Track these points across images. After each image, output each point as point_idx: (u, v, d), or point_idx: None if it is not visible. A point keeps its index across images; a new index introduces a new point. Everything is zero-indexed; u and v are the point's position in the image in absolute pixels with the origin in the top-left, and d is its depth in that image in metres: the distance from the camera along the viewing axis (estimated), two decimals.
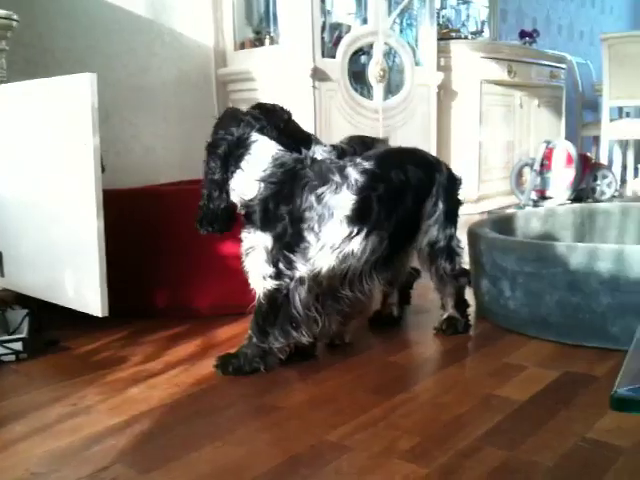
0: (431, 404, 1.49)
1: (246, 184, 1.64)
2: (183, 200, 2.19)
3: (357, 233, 1.64)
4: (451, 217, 1.87)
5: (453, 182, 1.89)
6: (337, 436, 1.33)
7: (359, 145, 2.09)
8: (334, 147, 1.90)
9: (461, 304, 1.95)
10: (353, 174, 1.65)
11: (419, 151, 1.92)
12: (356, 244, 1.65)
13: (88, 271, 1.80)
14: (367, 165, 1.68)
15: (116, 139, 3.02)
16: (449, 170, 1.88)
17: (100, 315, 1.81)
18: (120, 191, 2.29)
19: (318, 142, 1.86)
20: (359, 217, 1.64)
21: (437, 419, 1.40)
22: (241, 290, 2.18)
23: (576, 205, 2.62)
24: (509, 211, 2.43)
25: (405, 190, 1.74)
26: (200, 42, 3.32)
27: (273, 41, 3.24)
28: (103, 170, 1.79)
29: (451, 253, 1.88)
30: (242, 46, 3.34)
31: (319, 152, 1.79)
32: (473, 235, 2.06)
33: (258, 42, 3.30)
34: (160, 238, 2.19)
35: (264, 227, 1.63)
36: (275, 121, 1.70)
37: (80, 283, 1.87)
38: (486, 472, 1.18)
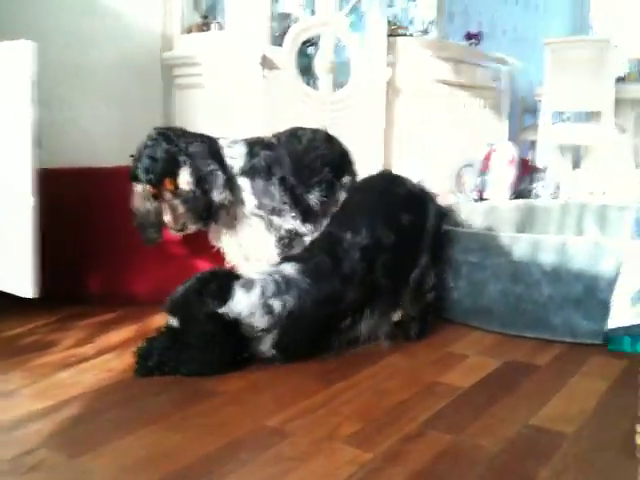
0: (373, 391, 1.46)
1: None
2: (121, 181, 2.10)
3: None
4: None
5: None
6: (277, 422, 1.29)
7: (288, 137, 2.10)
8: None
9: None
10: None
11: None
12: None
13: (19, 250, 1.70)
14: None
15: (53, 121, 2.89)
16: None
17: (30, 296, 1.71)
18: (56, 170, 2.18)
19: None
20: None
21: (379, 405, 1.38)
22: (180, 276, 2.13)
23: (518, 201, 2.65)
24: (452, 206, 2.45)
25: None
26: (147, 24, 3.21)
27: (221, 27, 3.16)
28: (40, 145, 1.69)
29: None
30: (189, 30, 3.24)
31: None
32: None
33: (205, 27, 3.21)
34: (97, 220, 2.10)
35: None
36: None
37: (10, 263, 1.76)
38: (431, 456, 1.16)
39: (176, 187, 1.79)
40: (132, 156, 1.83)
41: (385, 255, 1.64)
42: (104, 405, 1.36)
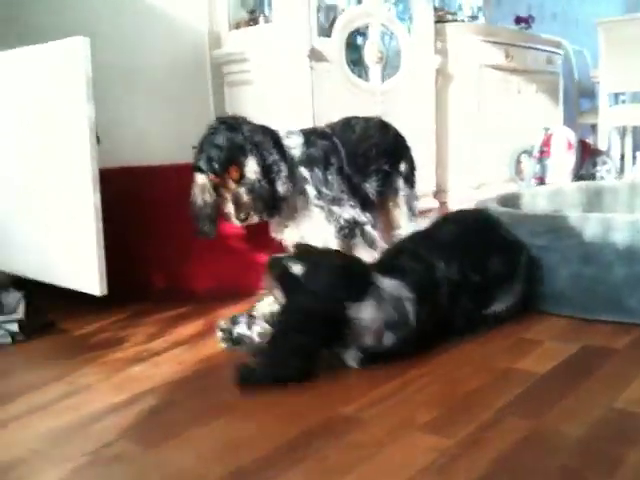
0: (446, 378, 1.43)
1: None
2: (181, 177, 2.11)
3: None
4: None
5: None
6: (351, 410, 1.27)
7: (342, 126, 2.08)
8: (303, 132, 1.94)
9: None
10: None
11: None
12: None
13: (85, 248, 1.73)
14: None
15: (108, 122, 2.94)
16: None
17: (99, 294, 1.73)
18: (115, 170, 2.21)
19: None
20: None
21: (453, 393, 1.35)
22: (241, 272, 2.14)
23: (582, 183, 2.57)
24: (515, 191, 2.39)
25: None
26: (193, 23, 3.24)
27: (267, 20, 3.17)
28: (98, 141, 1.71)
29: None
30: (237, 26, 3.26)
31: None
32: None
33: (253, 22, 3.22)
34: (158, 217, 2.13)
35: None
36: None
37: (77, 262, 1.79)
38: (512, 442, 1.12)
39: (241, 176, 1.77)
40: (194, 147, 1.82)
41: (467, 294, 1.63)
42: (178, 397, 1.37)
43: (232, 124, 1.80)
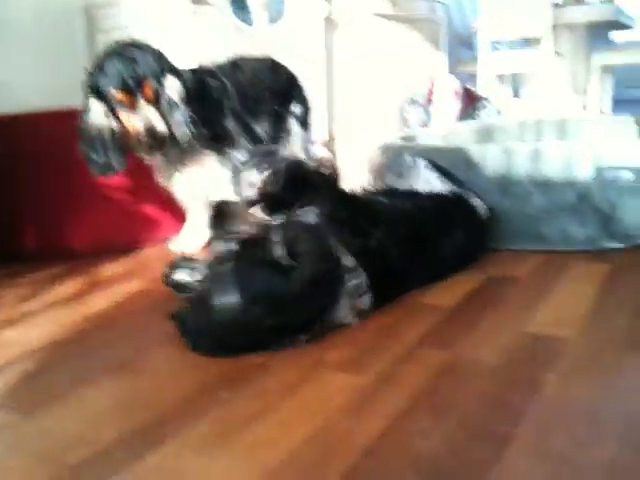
0: None
1: None
2: (53, 125, 1.90)
3: None
4: None
5: None
6: (257, 358, 1.16)
7: (231, 67, 1.95)
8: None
9: None
10: None
11: None
12: None
13: None
14: None
15: None
16: None
17: None
18: None
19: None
20: None
21: (364, 330, 1.27)
22: (123, 225, 1.97)
23: (473, 122, 2.55)
24: (410, 133, 2.33)
25: None
26: None
27: None
28: None
29: None
30: None
31: None
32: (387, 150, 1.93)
33: None
34: (27, 170, 1.90)
35: None
36: None
37: None
38: (430, 374, 1.06)
39: (155, 95, 1.58)
40: (87, 69, 1.61)
41: None
42: (59, 358, 1.21)
43: (139, 44, 1.61)
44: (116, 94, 1.55)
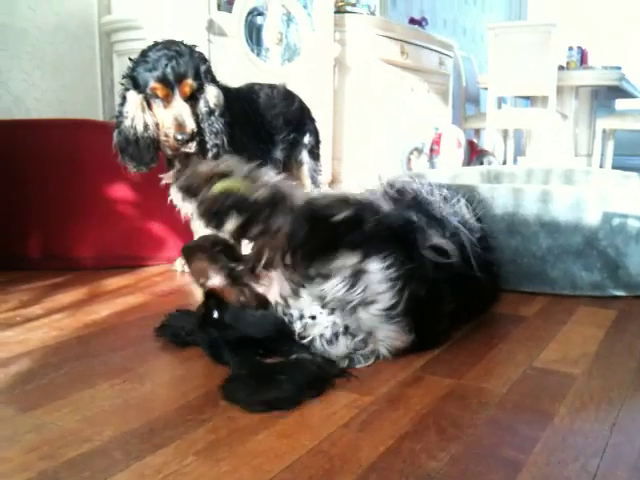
0: None
1: None
2: (63, 133, 1.91)
3: None
4: None
5: None
6: None
7: (246, 92, 1.95)
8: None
9: None
10: None
11: None
12: None
13: None
14: None
15: None
16: None
17: None
18: None
19: None
20: None
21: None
22: (128, 239, 1.96)
23: (482, 167, 2.58)
24: (419, 172, 2.35)
25: None
26: None
27: None
28: None
29: None
30: None
31: None
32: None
33: None
34: (35, 178, 1.90)
35: None
36: None
37: None
38: (437, 397, 1.04)
39: (192, 94, 1.56)
40: (131, 59, 1.60)
41: None
42: (58, 360, 1.19)
43: (188, 45, 1.62)
44: (153, 85, 1.54)
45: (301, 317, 1.14)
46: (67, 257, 1.89)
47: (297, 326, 1.14)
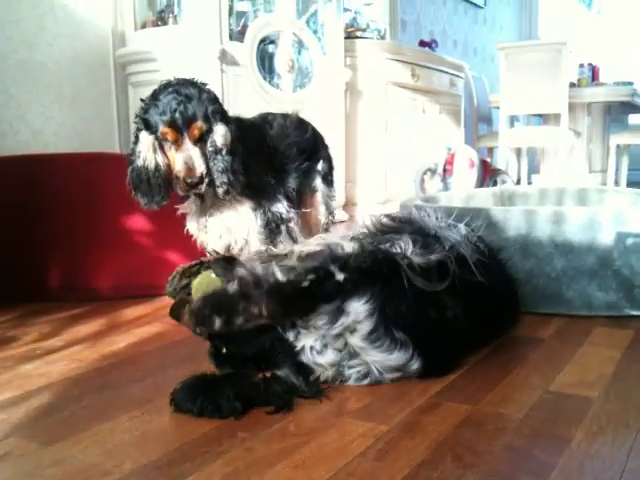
0: None
1: None
2: (82, 167, 1.95)
3: None
4: None
5: None
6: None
7: (260, 121, 1.95)
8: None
9: None
10: None
11: None
12: None
13: None
14: None
15: (1, 119, 2.71)
16: None
17: None
18: (8, 158, 2.02)
19: None
20: None
21: (383, 382, 1.26)
22: (146, 269, 1.98)
23: (495, 188, 2.58)
24: (432, 194, 2.37)
25: None
26: (96, 20, 3.08)
27: (176, 21, 3.05)
28: None
29: None
30: (143, 26, 3.12)
31: None
32: (406, 207, 1.95)
33: (161, 22, 3.09)
34: (50, 211, 1.94)
35: None
36: None
37: None
38: (453, 425, 1.05)
39: (201, 136, 1.59)
40: (143, 100, 1.62)
41: None
42: (78, 393, 1.21)
43: (196, 83, 1.63)
44: (163, 129, 1.56)
45: (293, 325, 1.21)
46: (86, 287, 1.92)
47: (290, 335, 1.21)
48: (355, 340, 1.19)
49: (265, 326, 1.20)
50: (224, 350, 1.22)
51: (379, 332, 1.19)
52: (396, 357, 1.20)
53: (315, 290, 1.19)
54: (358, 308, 1.18)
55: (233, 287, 1.17)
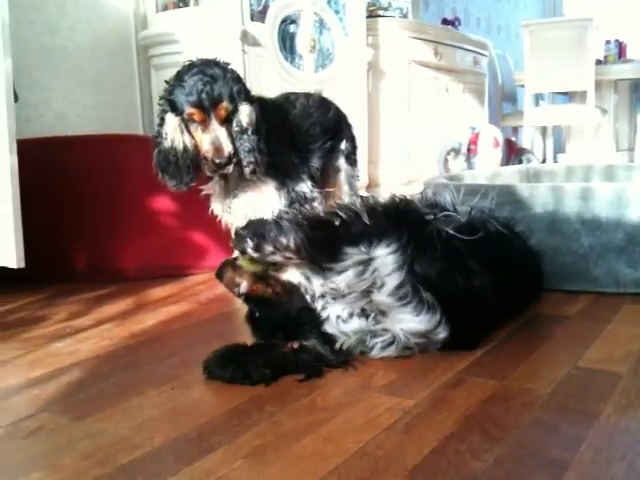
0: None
1: None
2: (108, 149, 1.97)
3: None
4: None
5: None
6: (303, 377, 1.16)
7: (283, 101, 1.94)
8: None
9: None
10: None
11: None
12: None
13: (1, 215, 1.56)
14: None
15: (25, 103, 2.74)
16: None
17: (15, 266, 1.56)
18: (35, 140, 2.04)
19: None
20: None
21: (412, 357, 1.26)
22: (171, 250, 2.00)
23: (521, 166, 2.56)
24: (456, 172, 2.35)
25: None
26: (117, 3, 3.08)
27: (197, 2, 3.04)
28: (16, 99, 1.55)
29: None
30: (164, 8, 3.12)
31: None
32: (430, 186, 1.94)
33: (182, 3, 3.09)
34: (81, 192, 1.96)
35: None
36: None
37: None
38: (481, 399, 1.05)
39: (227, 117, 1.58)
40: (167, 81, 1.61)
41: None
42: (108, 370, 1.23)
43: (220, 63, 1.62)
44: (190, 110, 1.56)
45: (322, 296, 1.24)
46: (112, 269, 1.94)
47: (318, 305, 1.24)
48: (382, 297, 1.20)
49: (293, 292, 1.24)
50: (257, 314, 1.26)
51: (406, 288, 1.20)
52: (423, 320, 1.20)
53: (344, 231, 1.25)
54: (386, 258, 1.20)
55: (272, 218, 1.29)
